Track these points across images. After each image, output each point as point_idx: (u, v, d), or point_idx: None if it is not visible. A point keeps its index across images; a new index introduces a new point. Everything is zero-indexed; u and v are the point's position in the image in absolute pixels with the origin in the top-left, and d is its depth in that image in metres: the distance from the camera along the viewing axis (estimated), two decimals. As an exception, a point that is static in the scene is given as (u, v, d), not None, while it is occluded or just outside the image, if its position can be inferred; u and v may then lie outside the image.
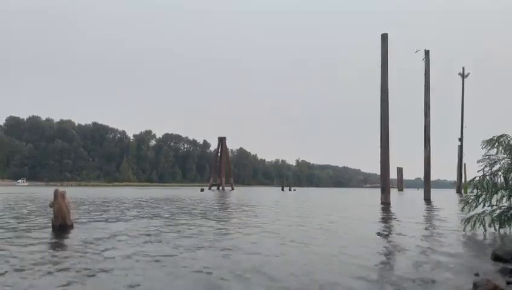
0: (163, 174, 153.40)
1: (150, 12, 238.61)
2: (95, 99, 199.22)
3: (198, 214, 13.81)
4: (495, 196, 8.54)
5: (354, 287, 4.19)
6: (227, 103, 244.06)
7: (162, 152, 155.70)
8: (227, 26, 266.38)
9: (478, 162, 8.98)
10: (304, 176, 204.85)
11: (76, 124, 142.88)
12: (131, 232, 8.28)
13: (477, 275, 4.58)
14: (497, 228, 8.45)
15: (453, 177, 59.46)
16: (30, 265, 5.08)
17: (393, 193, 40.33)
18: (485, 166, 8.75)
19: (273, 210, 16.60)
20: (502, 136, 8.85)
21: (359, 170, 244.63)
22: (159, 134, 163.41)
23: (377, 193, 28.72)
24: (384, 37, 24.09)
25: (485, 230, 8.44)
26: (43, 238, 7.37)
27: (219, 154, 72.08)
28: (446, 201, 27.34)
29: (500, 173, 8.51)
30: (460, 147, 49.66)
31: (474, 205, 8.76)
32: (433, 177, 31.92)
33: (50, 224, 8.86)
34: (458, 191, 49.46)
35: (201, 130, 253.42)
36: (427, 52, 30.87)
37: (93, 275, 4.58)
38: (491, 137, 9.00)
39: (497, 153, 8.76)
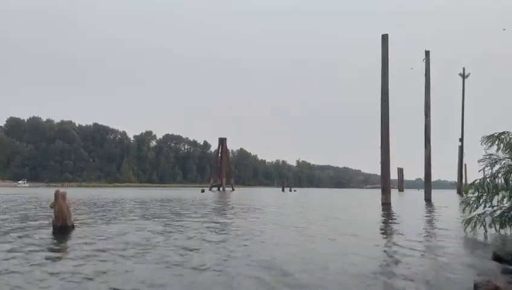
0: (164, 175, 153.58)
1: (150, 12, 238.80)
2: (95, 100, 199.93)
3: (199, 215, 13.82)
4: (496, 197, 8.52)
5: (354, 287, 4.19)
6: (227, 103, 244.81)
7: (162, 153, 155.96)
8: (227, 26, 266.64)
9: (479, 161, 8.94)
10: (305, 176, 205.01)
11: (77, 125, 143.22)
12: (132, 233, 8.29)
13: (478, 275, 4.58)
14: (497, 228, 8.42)
15: (454, 178, 59.52)
16: (30, 265, 5.09)
17: (394, 193, 40.27)
18: (486, 166, 8.72)
19: (274, 211, 16.61)
20: (503, 133, 8.72)
21: (359, 170, 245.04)
22: (159, 135, 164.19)
23: (377, 193, 28.72)
24: (385, 38, 24.10)
25: (486, 231, 8.41)
26: (43, 239, 7.38)
27: (219, 155, 72.24)
28: (447, 202, 27.31)
29: (500, 175, 8.47)
30: (461, 148, 49.59)
31: (475, 206, 8.73)
32: (434, 177, 31.87)
33: (51, 225, 8.87)
34: (459, 192, 49.36)
35: (201, 130, 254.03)
36: (427, 53, 30.93)
37: (93, 276, 4.58)
38: (491, 133, 8.86)
39: (497, 151, 8.67)
